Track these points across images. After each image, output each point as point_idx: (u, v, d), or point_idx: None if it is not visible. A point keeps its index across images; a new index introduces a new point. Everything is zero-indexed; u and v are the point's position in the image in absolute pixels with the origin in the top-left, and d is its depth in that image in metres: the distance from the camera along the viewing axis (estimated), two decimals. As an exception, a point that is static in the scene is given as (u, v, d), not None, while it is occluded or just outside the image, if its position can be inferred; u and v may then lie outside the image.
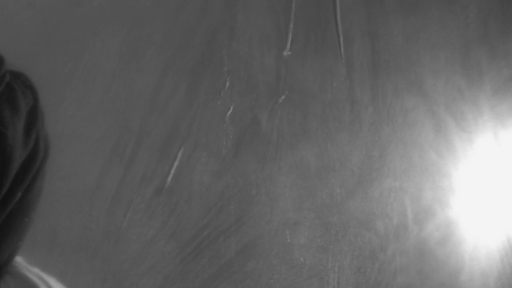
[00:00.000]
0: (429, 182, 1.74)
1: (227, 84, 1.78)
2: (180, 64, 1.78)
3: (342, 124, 1.78)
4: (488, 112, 1.75)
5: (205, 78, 1.78)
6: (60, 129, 1.70)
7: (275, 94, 1.79)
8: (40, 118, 0.73)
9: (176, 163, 1.73)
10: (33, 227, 1.65)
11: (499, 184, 1.75)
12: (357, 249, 1.72)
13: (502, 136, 1.76)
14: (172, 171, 1.72)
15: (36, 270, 0.80)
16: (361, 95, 1.77)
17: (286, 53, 1.80)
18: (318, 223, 1.73)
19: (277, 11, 1.82)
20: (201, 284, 1.68)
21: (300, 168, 1.76)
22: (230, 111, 1.76)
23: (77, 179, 1.69)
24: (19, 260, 0.76)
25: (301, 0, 1.83)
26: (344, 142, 1.77)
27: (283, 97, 1.79)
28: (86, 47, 1.78)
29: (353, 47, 1.80)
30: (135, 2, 1.82)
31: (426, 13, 1.80)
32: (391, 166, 1.74)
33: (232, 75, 1.79)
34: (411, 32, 1.81)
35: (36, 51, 1.75)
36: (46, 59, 1.74)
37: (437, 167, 1.72)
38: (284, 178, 1.75)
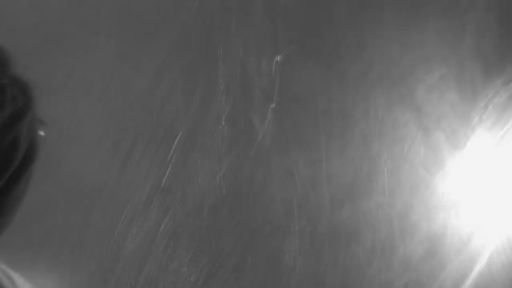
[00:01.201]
0: (417, 199, 1.71)
1: (222, 86, 1.77)
2: (176, 65, 1.78)
3: (332, 135, 1.76)
4: (480, 129, 1.70)
5: (200, 80, 1.77)
6: (59, 130, 1.73)
7: (269, 99, 1.77)
8: (27, 122, 0.73)
9: (171, 164, 1.74)
10: (31, 227, 1.69)
11: (490, 201, 1.71)
12: (345, 260, 1.72)
13: (494, 155, 1.71)
14: (168, 172, 1.74)
15: (2, 266, 0.83)
16: (353, 107, 1.74)
17: (279, 58, 1.77)
18: (309, 230, 1.73)
19: (273, 16, 1.79)
20: (194, 285, 1.71)
21: (291, 175, 1.75)
22: (225, 114, 1.76)
23: (75, 179, 1.72)
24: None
25: (296, 6, 1.79)
26: (334, 154, 1.75)
27: (275, 102, 1.77)
28: (85, 47, 1.78)
29: (347, 57, 1.77)
30: (133, 3, 1.81)
31: (423, 25, 1.75)
32: (380, 182, 1.72)
33: (227, 78, 1.78)
34: (406, 44, 1.76)
35: (36, 51, 1.76)
36: (46, 59, 1.76)
37: (425, 183, 1.69)
38: (276, 183, 1.75)
